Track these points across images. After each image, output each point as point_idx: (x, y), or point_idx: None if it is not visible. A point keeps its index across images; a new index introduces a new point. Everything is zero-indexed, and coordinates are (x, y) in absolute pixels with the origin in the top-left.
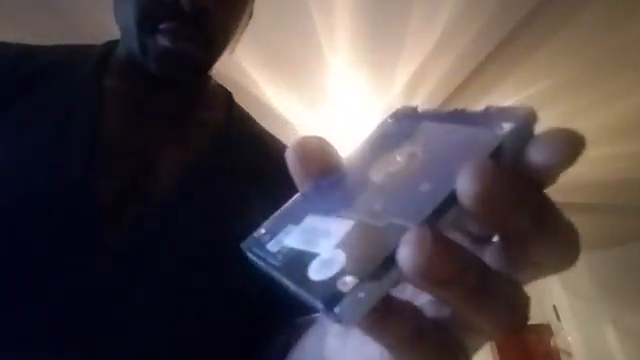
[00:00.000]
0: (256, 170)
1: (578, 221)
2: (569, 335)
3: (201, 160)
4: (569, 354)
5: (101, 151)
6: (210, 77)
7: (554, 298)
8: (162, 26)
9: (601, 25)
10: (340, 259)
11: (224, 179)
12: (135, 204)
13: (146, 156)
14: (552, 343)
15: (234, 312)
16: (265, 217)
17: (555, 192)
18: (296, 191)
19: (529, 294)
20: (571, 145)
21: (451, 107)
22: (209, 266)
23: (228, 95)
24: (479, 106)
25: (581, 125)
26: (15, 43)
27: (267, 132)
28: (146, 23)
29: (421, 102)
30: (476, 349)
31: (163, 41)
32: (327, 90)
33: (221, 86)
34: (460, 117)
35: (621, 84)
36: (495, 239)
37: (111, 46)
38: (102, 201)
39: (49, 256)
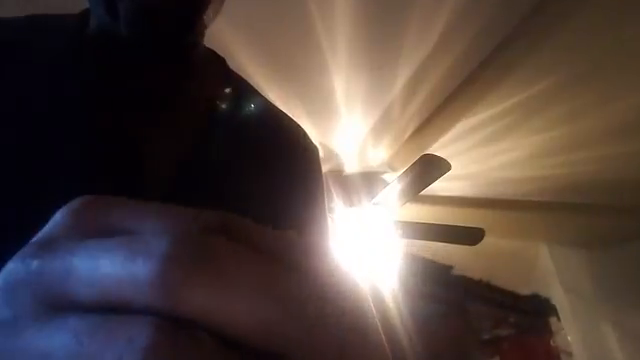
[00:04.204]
0: (258, 152)
1: (578, 221)
2: (569, 335)
3: (197, 151)
4: (569, 354)
5: (90, 150)
6: (200, 44)
7: (554, 298)
8: None
9: (602, 25)
10: None
11: (224, 171)
12: None
13: (135, 149)
14: (552, 343)
15: None
16: (266, 201)
17: (555, 192)
18: (300, 168)
19: (529, 293)
20: None
21: None
22: None
23: (222, 63)
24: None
25: (581, 125)
26: None
27: (267, 103)
28: None
29: (421, 102)
30: None
31: None
32: (327, 91)
33: (214, 53)
34: None
35: (620, 85)
36: None
37: (86, 18)
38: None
39: None
